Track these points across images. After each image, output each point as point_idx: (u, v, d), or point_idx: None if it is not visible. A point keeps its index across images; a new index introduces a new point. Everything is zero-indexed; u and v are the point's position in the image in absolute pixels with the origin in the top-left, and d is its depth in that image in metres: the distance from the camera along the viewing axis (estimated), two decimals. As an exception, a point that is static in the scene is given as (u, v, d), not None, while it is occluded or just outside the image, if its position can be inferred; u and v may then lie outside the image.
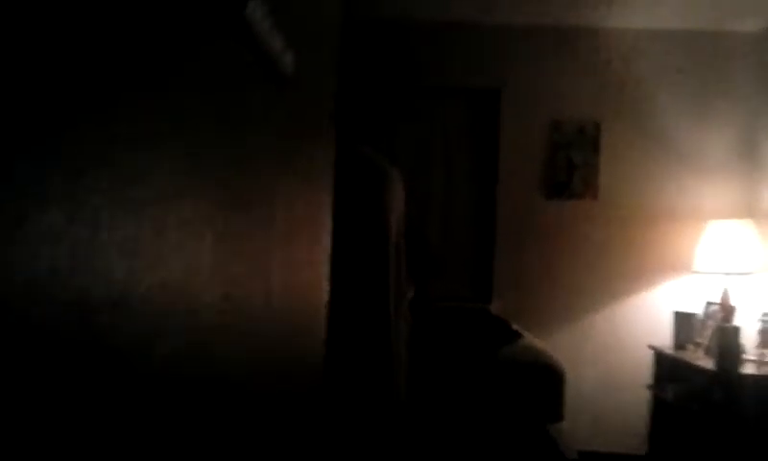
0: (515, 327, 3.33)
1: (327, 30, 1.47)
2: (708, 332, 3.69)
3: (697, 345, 3.73)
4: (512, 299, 4.09)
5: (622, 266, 4.17)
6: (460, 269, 4.23)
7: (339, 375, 2.30)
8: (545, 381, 3.13)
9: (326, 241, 1.59)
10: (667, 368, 3.80)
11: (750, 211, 4.09)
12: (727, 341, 3.34)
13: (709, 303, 3.84)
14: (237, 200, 0.84)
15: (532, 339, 3.40)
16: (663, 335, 3.99)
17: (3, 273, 0.42)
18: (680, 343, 3.79)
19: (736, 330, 3.37)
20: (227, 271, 0.82)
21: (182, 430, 0.71)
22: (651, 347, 3.96)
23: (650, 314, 4.14)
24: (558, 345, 3.87)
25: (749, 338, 3.54)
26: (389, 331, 2.44)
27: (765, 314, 3.57)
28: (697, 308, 3.91)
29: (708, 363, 3.43)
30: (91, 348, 0.52)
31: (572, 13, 4.02)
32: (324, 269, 1.58)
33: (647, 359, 3.97)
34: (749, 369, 3.36)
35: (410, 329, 2.73)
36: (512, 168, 4.19)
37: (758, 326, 3.59)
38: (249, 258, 0.91)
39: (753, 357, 3.46)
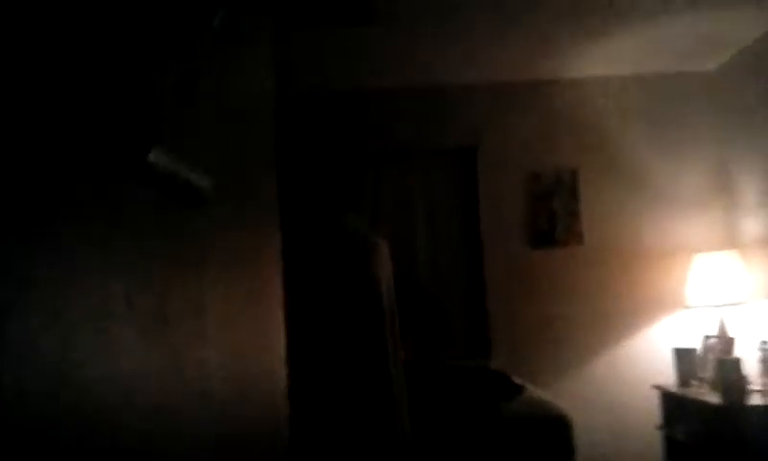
0: (516, 380, 3.27)
1: (257, 143, 1.60)
2: (710, 366, 3.65)
3: (701, 380, 3.69)
4: (510, 351, 4.04)
5: (616, 308, 4.16)
6: (455, 327, 4.18)
7: (344, 448, 2.23)
8: (554, 433, 3.06)
9: (279, 330, 1.62)
10: (674, 406, 3.75)
11: (733, 242, 4.13)
12: (729, 374, 3.30)
13: (707, 337, 3.82)
14: (168, 311, 0.93)
15: (535, 391, 3.34)
16: (666, 372, 3.95)
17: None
18: (683, 379, 3.74)
19: (738, 362, 3.35)
20: (159, 381, 0.89)
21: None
22: (655, 386, 3.91)
23: (650, 353, 4.10)
24: (561, 394, 3.81)
25: (751, 368, 3.51)
26: (393, 402, 2.40)
27: (764, 342, 3.56)
28: (695, 343, 3.89)
29: (713, 397, 3.38)
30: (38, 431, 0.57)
31: (539, 67, 4.13)
32: (279, 360, 1.62)
33: (653, 398, 3.92)
34: (755, 400, 3.31)
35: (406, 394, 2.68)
36: (495, 222, 4.21)
37: (759, 354, 3.57)
38: (177, 367, 0.99)
39: (757, 387, 3.42)
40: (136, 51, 0.86)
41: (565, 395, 3.85)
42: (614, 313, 4.16)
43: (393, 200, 4.25)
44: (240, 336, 1.31)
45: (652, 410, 3.92)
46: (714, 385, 3.50)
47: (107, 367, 0.73)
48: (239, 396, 1.27)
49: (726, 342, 3.70)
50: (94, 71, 0.74)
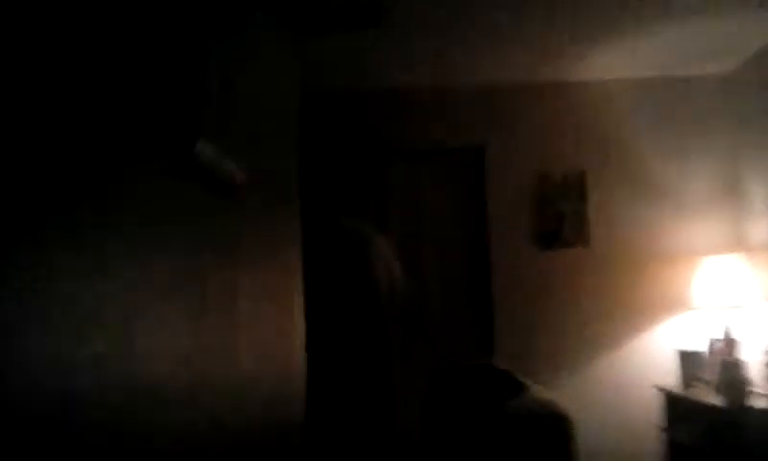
0: (520, 379, 3.31)
1: (284, 140, 1.66)
2: (714, 368, 3.67)
3: (706, 382, 3.71)
4: (514, 352, 4.08)
5: (621, 309, 4.19)
6: (461, 327, 4.23)
7: (340, 442, 2.28)
8: (556, 432, 3.09)
9: (299, 318, 1.68)
10: (677, 408, 3.77)
11: (740, 245, 4.14)
12: (732, 376, 3.32)
13: (714, 340, 3.84)
14: (205, 297, 0.99)
15: (539, 390, 3.37)
16: (669, 374, 3.97)
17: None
18: (687, 381, 3.77)
19: (741, 365, 3.36)
20: (196, 356, 0.94)
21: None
22: (658, 387, 3.93)
23: (654, 354, 4.13)
24: (565, 393, 3.84)
25: (755, 371, 3.53)
26: (394, 398, 2.43)
27: (768, 345, 3.57)
28: (701, 345, 3.91)
29: (716, 400, 3.40)
30: (75, 410, 0.60)
31: (550, 69, 4.17)
32: (299, 343, 1.67)
33: (656, 400, 3.94)
34: (758, 402, 3.33)
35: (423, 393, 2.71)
36: (502, 223, 4.25)
37: (763, 358, 3.58)
38: (216, 345, 1.04)
39: (760, 390, 3.44)
40: (185, 45, 0.91)
41: (569, 394, 3.89)
42: (620, 314, 4.18)
43: (400, 200, 4.30)
44: (266, 321, 1.36)
45: (654, 411, 3.95)
46: (717, 387, 3.52)
47: (158, 342, 0.79)
48: (265, 378, 1.33)
49: (730, 344, 3.71)
50: (145, 64, 0.78)
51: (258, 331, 1.29)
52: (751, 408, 3.27)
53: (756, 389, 3.42)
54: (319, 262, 2.39)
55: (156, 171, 0.81)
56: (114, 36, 0.70)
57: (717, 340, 3.81)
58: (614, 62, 4.10)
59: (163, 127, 0.82)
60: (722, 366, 3.48)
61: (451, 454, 2.97)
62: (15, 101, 0.51)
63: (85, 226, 0.63)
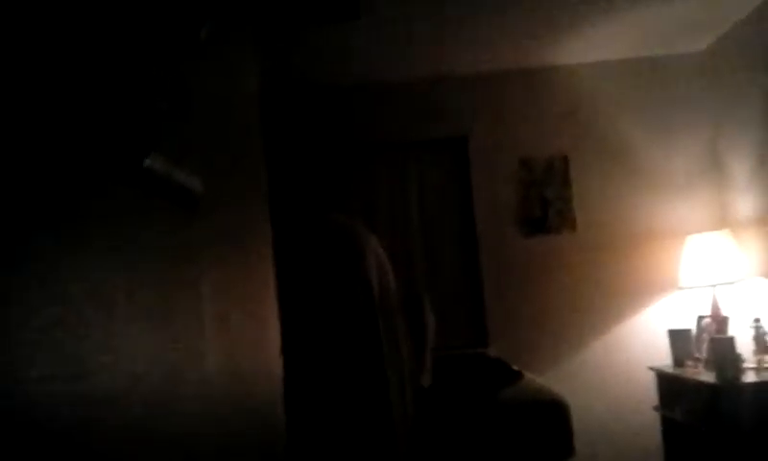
0: (515, 367, 3.31)
1: (248, 144, 1.64)
2: (704, 346, 3.69)
3: (696, 360, 3.73)
4: (507, 339, 4.07)
5: (610, 292, 4.20)
6: (453, 318, 4.22)
7: (336, 439, 2.26)
8: (551, 418, 3.09)
9: (274, 330, 1.66)
10: (670, 387, 3.79)
11: (725, 222, 4.16)
12: (723, 352, 3.34)
13: (701, 317, 3.86)
14: (165, 311, 0.96)
15: (533, 377, 3.38)
16: (661, 354, 3.99)
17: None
18: (678, 360, 3.79)
19: (731, 340, 3.38)
20: (159, 378, 0.91)
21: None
22: (651, 368, 3.95)
23: (645, 335, 4.14)
24: (559, 379, 3.85)
25: (745, 346, 3.55)
26: (387, 393, 2.41)
27: (757, 320, 3.60)
28: (690, 323, 3.93)
29: (709, 377, 3.42)
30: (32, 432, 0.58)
31: (527, 55, 4.15)
32: (274, 352, 1.65)
33: (650, 380, 3.96)
34: (749, 377, 3.36)
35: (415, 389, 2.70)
36: (488, 211, 4.24)
37: (752, 332, 3.61)
38: (179, 359, 1.01)
39: (751, 364, 3.46)
40: (131, 62, 0.90)
41: (563, 380, 3.90)
42: (609, 297, 4.19)
43: (386, 193, 4.27)
44: (236, 335, 1.34)
45: (649, 392, 3.97)
46: (709, 365, 3.54)
47: (110, 360, 0.76)
48: (236, 394, 1.31)
49: (719, 321, 3.74)
50: (92, 83, 0.77)
51: (228, 349, 1.28)
52: (744, 383, 3.29)
53: (747, 364, 3.44)
54: (309, 258, 2.36)
55: (112, 186, 0.80)
56: (60, 52, 0.69)
57: (704, 317, 3.84)
58: (593, 46, 4.09)
59: (113, 142, 0.82)
60: (712, 343, 3.50)
61: (446, 445, 2.96)
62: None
63: (42, 242, 0.61)
